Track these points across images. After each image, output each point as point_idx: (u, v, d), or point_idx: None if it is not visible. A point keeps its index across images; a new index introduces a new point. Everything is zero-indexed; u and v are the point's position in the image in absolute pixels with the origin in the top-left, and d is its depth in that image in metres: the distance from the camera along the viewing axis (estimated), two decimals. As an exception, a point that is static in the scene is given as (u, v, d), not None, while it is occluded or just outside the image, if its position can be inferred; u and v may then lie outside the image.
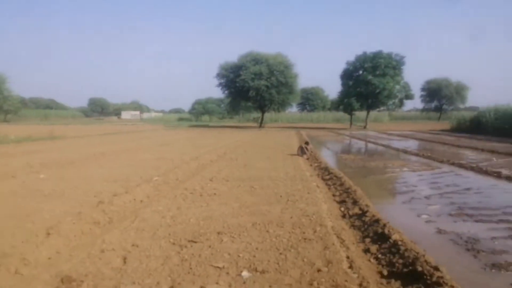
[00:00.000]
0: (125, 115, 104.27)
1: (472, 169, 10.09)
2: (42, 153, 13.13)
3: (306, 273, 3.41)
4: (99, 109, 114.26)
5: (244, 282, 3.22)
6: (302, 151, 12.95)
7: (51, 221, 4.72)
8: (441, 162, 11.75)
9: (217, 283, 3.20)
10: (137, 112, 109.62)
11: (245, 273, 3.42)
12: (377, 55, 40.85)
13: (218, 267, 3.54)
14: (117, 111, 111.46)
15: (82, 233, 4.45)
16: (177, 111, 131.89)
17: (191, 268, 3.50)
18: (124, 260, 3.67)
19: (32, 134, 21.79)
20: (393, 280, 3.27)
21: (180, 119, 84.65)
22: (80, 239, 4.30)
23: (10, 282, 3.17)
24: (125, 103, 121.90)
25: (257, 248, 4.04)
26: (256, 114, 53.80)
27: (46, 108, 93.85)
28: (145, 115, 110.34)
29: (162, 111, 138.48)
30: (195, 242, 4.22)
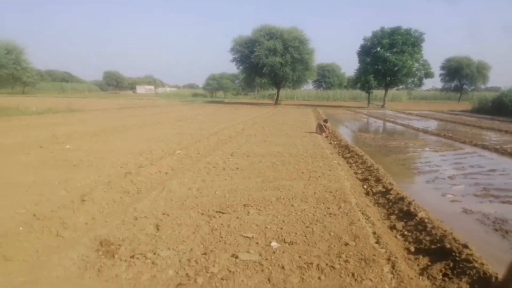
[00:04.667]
0: (140, 89, 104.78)
1: (496, 150, 9.92)
2: (65, 126, 13.41)
3: (334, 246, 3.48)
4: (114, 83, 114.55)
5: (274, 252, 3.32)
6: (320, 128, 12.90)
7: (84, 189, 4.89)
8: (463, 143, 11.59)
9: (248, 251, 3.31)
10: (152, 87, 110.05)
11: (274, 244, 3.51)
12: (395, 31, 39.60)
13: (247, 237, 3.65)
14: (131, 85, 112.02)
15: (114, 201, 4.60)
16: (191, 86, 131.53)
17: (221, 237, 3.61)
18: (157, 227, 3.81)
19: (51, 106, 22.23)
20: (421, 256, 3.32)
21: (195, 95, 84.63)
22: (113, 206, 4.46)
23: (54, 243, 3.35)
24: (139, 77, 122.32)
25: (283, 221, 4.12)
26: (272, 91, 53.32)
27: (61, 81, 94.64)
28: (160, 89, 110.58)
29: (176, 86, 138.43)
30: (223, 213, 4.33)
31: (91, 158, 7.16)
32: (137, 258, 3.10)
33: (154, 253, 3.20)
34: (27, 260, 3.03)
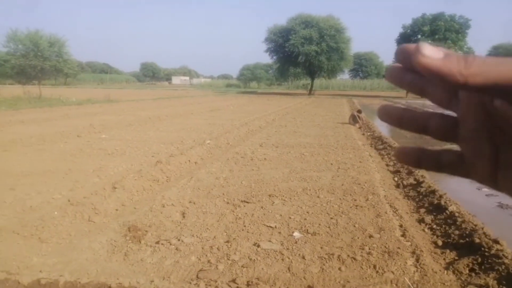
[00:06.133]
0: (175, 80, 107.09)
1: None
2: (102, 115, 13.95)
3: (358, 238, 3.44)
4: (150, 74, 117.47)
5: (296, 242, 3.33)
6: (354, 119, 12.63)
7: (116, 177, 5.10)
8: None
9: (269, 240, 3.34)
10: (187, 78, 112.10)
11: (296, 234, 3.52)
12: (437, 18, 37.87)
13: (270, 226, 3.68)
14: (167, 76, 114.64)
15: (144, 189, 4.77)
16: (225, 77, 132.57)
17: (245, 226, 3.66)
18: (183, 215, 3.92)
19: (90, 97, 23.20)
20: (448, 251, 3.21)
21: (228, 85, 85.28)
22: (142, 194, 4.63)
23: (85, 228, 3.53)
24: (174, 68, 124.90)
25: (308, 212, 4.11)
26: (306, 81, 52.63)
27: (101, 72, 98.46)
28: (194, 80, 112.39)
29: (211, 77, 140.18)
30: (248, 202, 4.38)
31: (125, 147, 7.43)
32: (162, 244, 3.21)
33: (179, 240, 3.30)
34: (60, 243, 3.21)
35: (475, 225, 3.50)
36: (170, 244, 3.21)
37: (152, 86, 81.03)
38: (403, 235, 3.49)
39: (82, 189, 4.59)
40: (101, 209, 3.91)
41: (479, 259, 2.92)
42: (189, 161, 6.41)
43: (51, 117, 12.73)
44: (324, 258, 3.02)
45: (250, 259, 2.98)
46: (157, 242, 3.25)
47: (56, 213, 3.68)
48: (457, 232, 3.51)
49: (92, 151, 7.10)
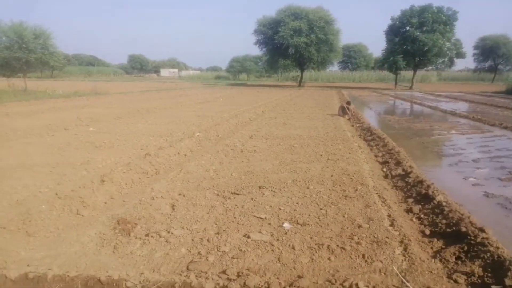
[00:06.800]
0: (164, 72, 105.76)
1: (526, 133, 9.51)
2: (89, 108, 13.77)
3: (347, 228, 3.47)
4: (138, 66, 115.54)
5: (286, 233, 3.34)
6: (343, 111, 12.68)
7: (104, 170, 5.05)
8: (493, 125, 11.17)
9: (260, 232, 3.35)
10: (176, 70, 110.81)
11: (286, 224, 3.53)
12: (425, 9, 37.95)
13: (260, 218, 3.68)
14: (156, 68, 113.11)
15: (133, 182, 4.73)
16: (214, 69, 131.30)
17: (235, 218, 3.66)
18: (173, 207, 3.90)
19: (77, 90, 22.85)
20: (435, 239, 3.26)
21: (218, 77, 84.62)
22: (131, 187, 4.59)
23: (74, 221, 3.50)
24: (163, 60, 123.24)
25: (297, 203, 4.13)
26: (295, 73, 52.51)
27: (88, 64, 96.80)
28: (183, 72, 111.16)
29: (200, 69, 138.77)
30: (238, 194, 4.38)
31: (113, 140, 7.35)
32: (152, 237, 3.20)
33: (168, 232, 3.29)
34: (48, 236, 3.18)
35: (462, 214, 3.56)
36: (160, 237, 3.19)
37: (140, 78, 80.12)
38: (391, 225, 3.53)
39: (70, 182, 4.54)
40: (90, 202, 3.88)
41: (465, 247, 2.97)
42: (179, 153, 6.38)
43: (37, 110, 12.52)
44: (314, 248, 3.04)
45: (240, 250, 2.99)
46: (147, 235, 3.23)
47: (43, 206, 3.63)
48: (444, 221, 3.56)
49: (79, 144, 7.01)
